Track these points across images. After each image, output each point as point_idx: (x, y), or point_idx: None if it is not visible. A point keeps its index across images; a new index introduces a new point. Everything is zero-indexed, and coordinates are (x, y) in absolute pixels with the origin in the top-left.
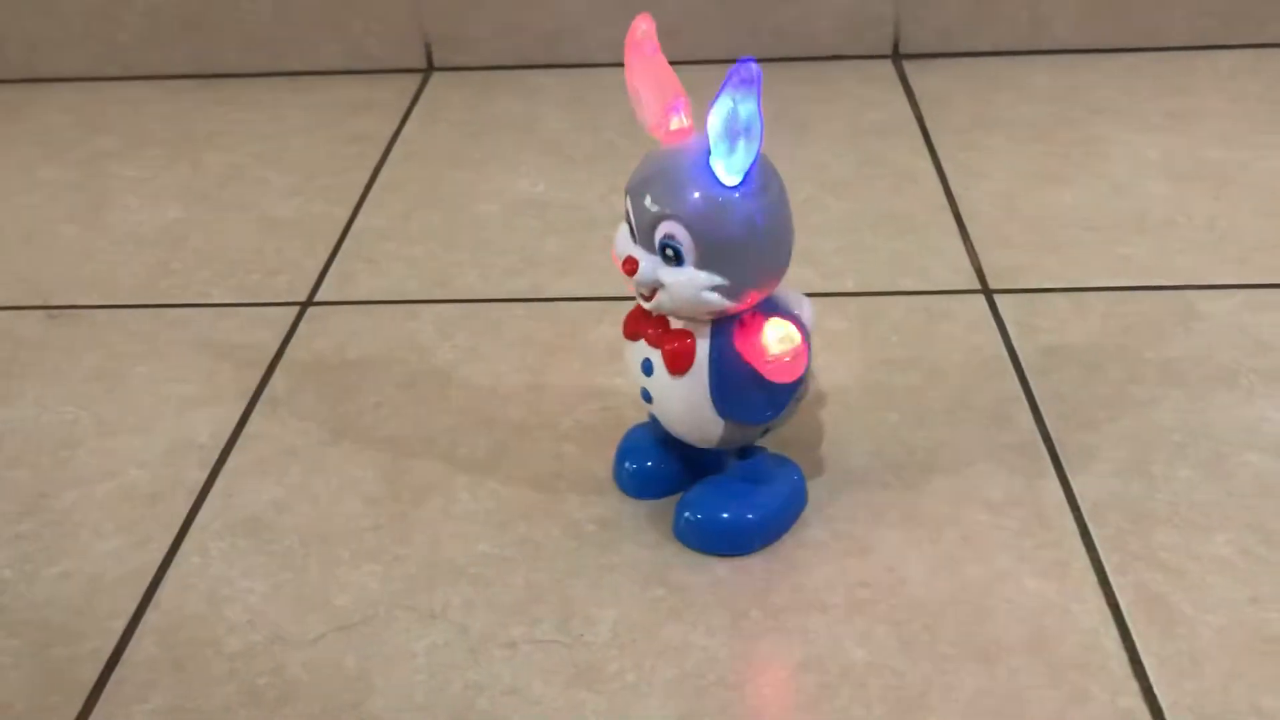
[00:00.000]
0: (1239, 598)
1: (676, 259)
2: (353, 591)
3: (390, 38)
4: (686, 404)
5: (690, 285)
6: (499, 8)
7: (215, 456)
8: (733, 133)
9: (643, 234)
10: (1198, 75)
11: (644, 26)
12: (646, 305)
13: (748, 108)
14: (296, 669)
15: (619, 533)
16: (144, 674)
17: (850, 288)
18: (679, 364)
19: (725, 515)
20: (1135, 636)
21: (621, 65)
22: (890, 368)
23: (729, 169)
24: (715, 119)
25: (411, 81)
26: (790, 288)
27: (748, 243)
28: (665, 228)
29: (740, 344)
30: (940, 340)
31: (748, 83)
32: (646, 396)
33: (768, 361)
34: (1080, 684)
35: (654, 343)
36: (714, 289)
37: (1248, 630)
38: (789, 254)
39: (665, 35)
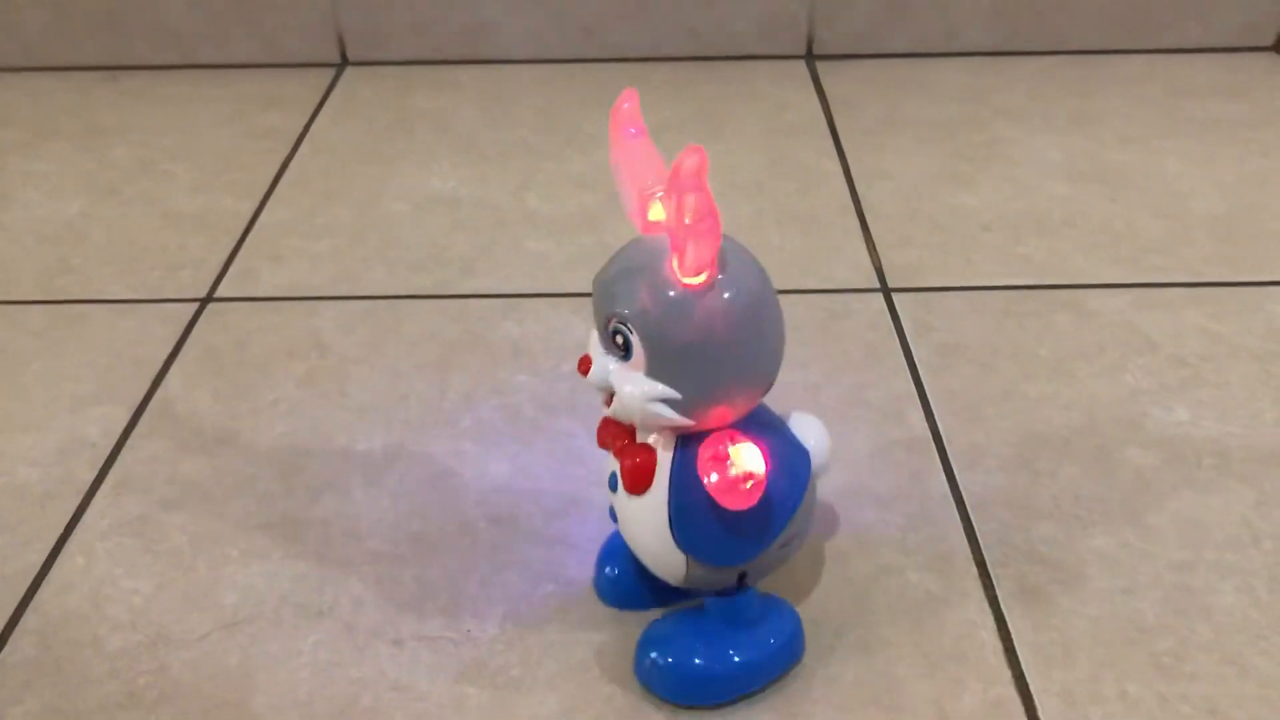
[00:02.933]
0: (1113, 589)
1: (626, 350)
2: (240, 590)
3: (304, 31)
4: (648, 531)
5: (638, 396)
6: (416, 2)
7: (106, 456)
8: (680, 230)
9: (599, 331)
10: (1102, 79)
11: (627, 105)
12: (607, 412)
13: (694, 201)
14: (178, 668)
15: (513, 531)
16: (20, 675)
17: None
18: (635, 483)
19: (698, 662)
20: (1011, 628)
21: (540, 61)
22: (789, 365)
23: (682, 270)
24: (669, 212)
25: (325, 76)
26: (809, 413)
27: (703, 350)
28: (614, 324)
29: (699, 457)
30: (839, 339)
31: (692, 173)
32: (613, 515)
33: (713, 482)
34: (956, 674)
35: (617, 455)
36: (665, 401)
37: (1120, 621)
38: (767, 369)
39: (584, 33)
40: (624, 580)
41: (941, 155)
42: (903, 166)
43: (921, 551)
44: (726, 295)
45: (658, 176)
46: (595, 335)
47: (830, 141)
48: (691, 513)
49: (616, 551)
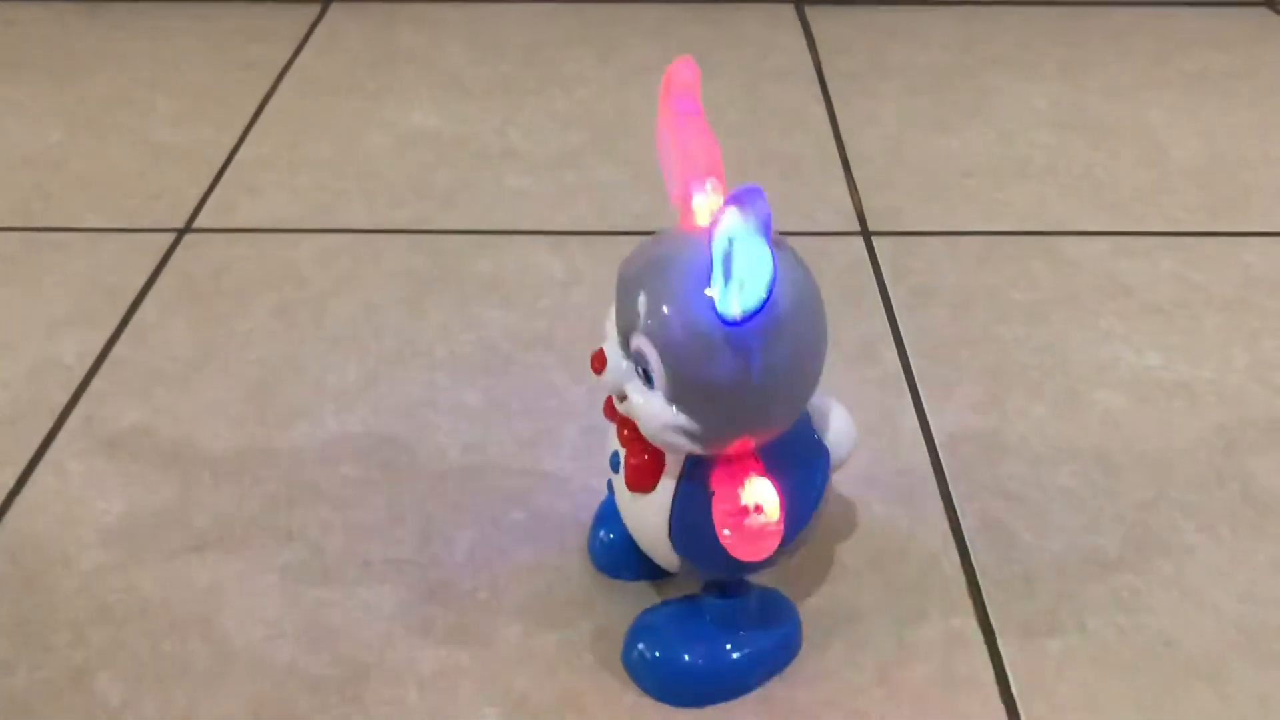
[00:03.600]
0: (1077, 525)
1: (646, 380)
2: (211, 512)
3: None
4: (645, 525)
5: (654, 418)
6: None
7: (80, 378)
8: (728, 273)
9: (620, 337)
10: (1090, 30)
11: (685, 75)
12: (618, 407)
13: (749, 250)
14: (148, 586)
15: (484, 458)
16: None
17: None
18: (639, 483)
19: (687, 659)
20: (974, 560)
21: (526, 0)
22: None
23: (723, 304)
24: (715, 247)
25: (310, 11)
26: (836, 399)
27: (731, 392)
28: (637, 342)
29: (714, 490)
30: (818, 280)
31: (748, 217)
32: (610, 489)
33: (727, 536)
34: (918, 605)
35: (622, 444)
36: (681, 430)
37: (1081, 555)
38: (796, 407)
39: None
40: (618, 546)
41: (927, 102)
42: (888, 112)
43: (888, 486)
44: (770, 333)
45: (710, 165)
46: (611, 327)
47: (817, 86)
48: (694, 528)
49: (612, 516)
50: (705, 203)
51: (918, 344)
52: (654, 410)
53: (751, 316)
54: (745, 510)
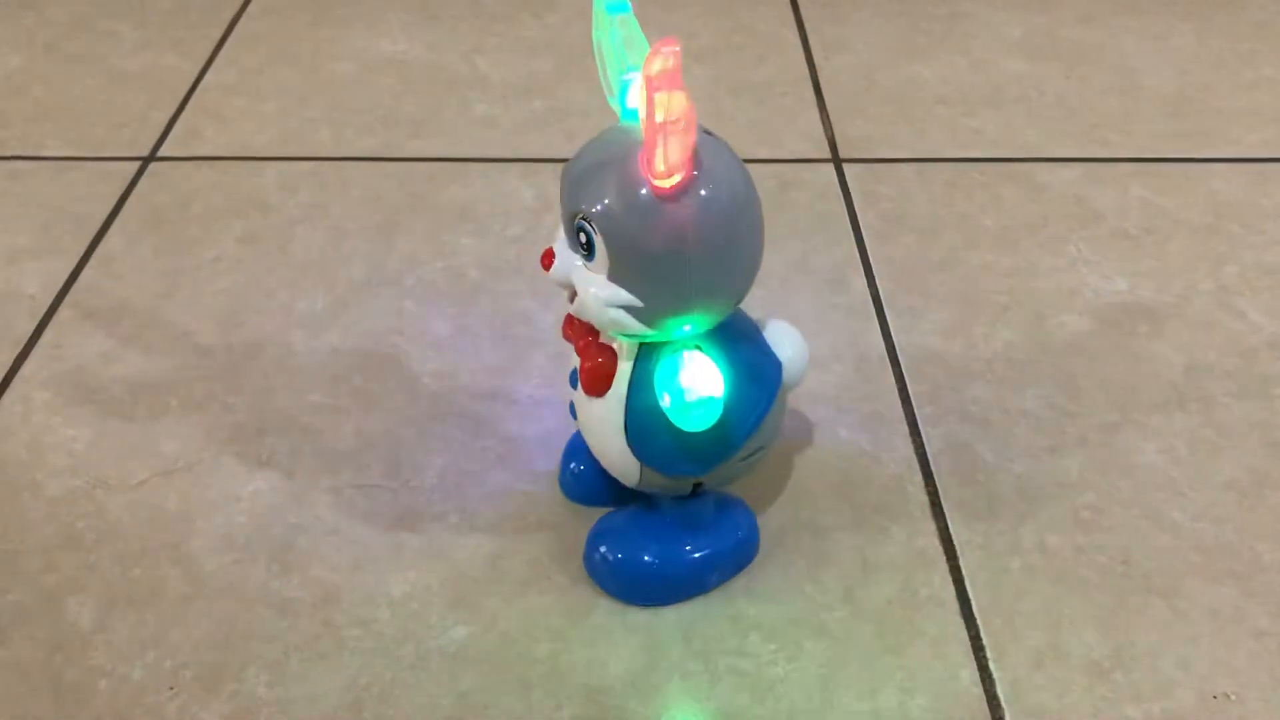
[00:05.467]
0: (1040, 447)
1: (589, 249)
2: (179, 439)
3: None
4: (604, 433)
5: (597, 296)
6: None
7: (45, 308)
8: (650, 129)
9: (565, 225)
10: None
11: None
12: (570, 308)
13: (668, 100)
14: (117, 512)
15: (454, 384)
16: None
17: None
18: (592, 385)
19: (647, 559)
20: (938, 482)
21: None
22: None
23: (653, 168)
24: (639, 102)
25: None
26: (784, 320)
27: (669, 260)
28: (578, 219)
29: (655, 374)
30: (788, 207)
31: (665, 67)
32: (573, 412)
33: (666, 403)
34: (881, 525)
35: (578, 354)
36: (625, 308)
37: (1044, 476)
38: (739, 281)
39: None
40: (587, 477)
41: (901, 29)
42: (861, 39)
43: (855, 410)
44: (699, 200)
45: (638, 60)
46: (561, 230)
47: (790, 12)
48: (647, 422)
49: (581, 448)
50: (638, 86)
51: (886, 270)
52: (596, 288)
53: (682, 189)
54: (683, 381)
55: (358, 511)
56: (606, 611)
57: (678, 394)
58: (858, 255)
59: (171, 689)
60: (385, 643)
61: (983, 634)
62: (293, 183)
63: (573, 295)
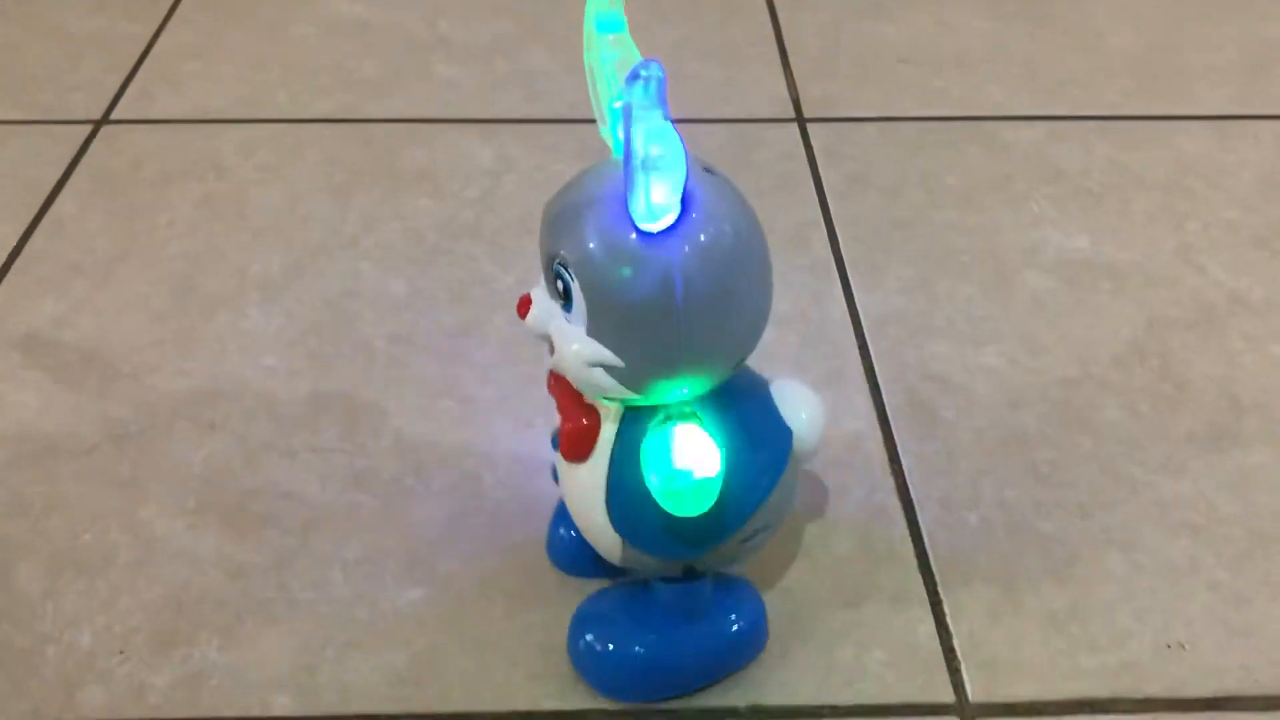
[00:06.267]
0: (1000, 403)
1: (567, 301)
2: (131, 403)
3: None
4: (582, 502)
5: (574, 352)
6: None
7: None
8: (631, 160)
9: (544, 269)
10: None
11: None
12: (548, 361)
13: (645, 128)
14: (67, 479)
15: (411, 348)
16: None
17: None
18: (571, 450)
19: (639, 651)
20: (897, 439)
21: None
22: None
23: (634, 210)
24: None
25: None
26: (799, 382)
27: (654, 314)
28: (556, 264)
29: (642, 449)
30: (752, 167)
31: (648, 91)
32: (555, 475)
33: (655, 484)
34: (840, 481)
35: (559, 413)
36: (603, 365)
37: (1003, 432)
38: (741, 342)
39: None
40: (579, 544)
41: None
42: None
43: (815, 368)
44: (692, 245)
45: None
46: (541, 277)
47: None
48: (631, 496)
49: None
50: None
51: (849, 229)
52: (573, 344)
53: (672, 228)
54: (674, 459)
55: (312, 474)
56: (563, 574)
57: (666, 473)
58: (820, 215)
59: (121, 653)
60: (339, 605)
61: (940, 588)
62: (249, 146)
63: (552, 347)
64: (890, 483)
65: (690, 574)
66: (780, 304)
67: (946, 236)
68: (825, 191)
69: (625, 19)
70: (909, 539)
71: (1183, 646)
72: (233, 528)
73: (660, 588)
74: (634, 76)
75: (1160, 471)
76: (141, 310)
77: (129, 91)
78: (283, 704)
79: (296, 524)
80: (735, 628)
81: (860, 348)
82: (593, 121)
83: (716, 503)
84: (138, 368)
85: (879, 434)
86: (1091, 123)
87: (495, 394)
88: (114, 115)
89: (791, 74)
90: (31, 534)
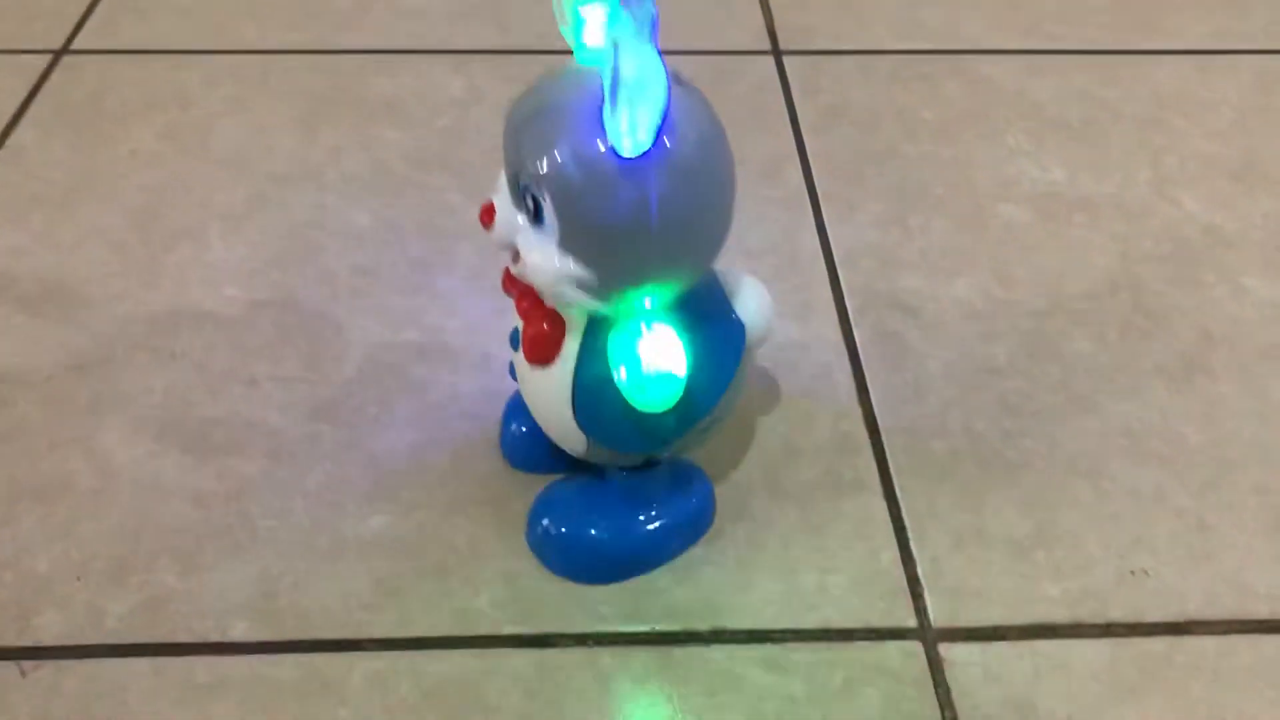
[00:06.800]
0: (970, 334)
1: (537, 216)
2: (91, 333)
3: None
4: (548, 403)
5: (546, 268)
6: None
7: None
8: (617, 91)
9: (508, 182)
10: None
11: None
12: (512, 269)
13: (637, 62)
14: (24, 406)
15: (376, 280)
16: None
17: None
18: (538, 354)
19: (594, 534)
20: (865, 369)
21: None
22: None
23: (613, 135)
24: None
25: None
26: (746, 274)
27: (629, 234)
28: (526, 182)
29: (610, 348)
30: (726, 99)
31: (640, 26)
32: (513, 373)
33: (624, 381)
34: (807, 410)
35: (520, 315)
36: (574, 280)
37: (974, 363)
38: (706, 255)
39: None
40: (531, 440)
41: None
42: None
43: (785, 301)
44: (666, 169)
45: None
46: (502, 180)
47: None
48: (597, 397)
49: (522, 408)
50: (596, 19)
51: (823, 163)
52: (545, 259)
53: (649, 152)
54: (644, 350)
55: (274, 403)
56: (527, 501)
57: (635, 369)
58: (795, 147)
59: (79, 579)
60: (300, 533)
61: (904, 515)
62: (214, 76)
63: (515, 256)
64: (858, 412)
65: (649, 462)
66: (752, 236)
67: (921, 170)
68: (800, 124)
69: None
70: (874, 466)
71: (1146, 573)
72: (194, 456)
73: (616, 475)
74: (626, 4)
75: (1130, 402)
76: (103, 241)
77: (91, 20)
78: (241, 629)
79: (258, 453)
80: (687, 508)
81: (831, 280)
82: (566, 52)
83: (681, 399)
84: (98, 298)
85: (847, 365)
86: (1069, 56)
87: (460, 324)
88: (75, 45)
89: (768, 4)
90: None
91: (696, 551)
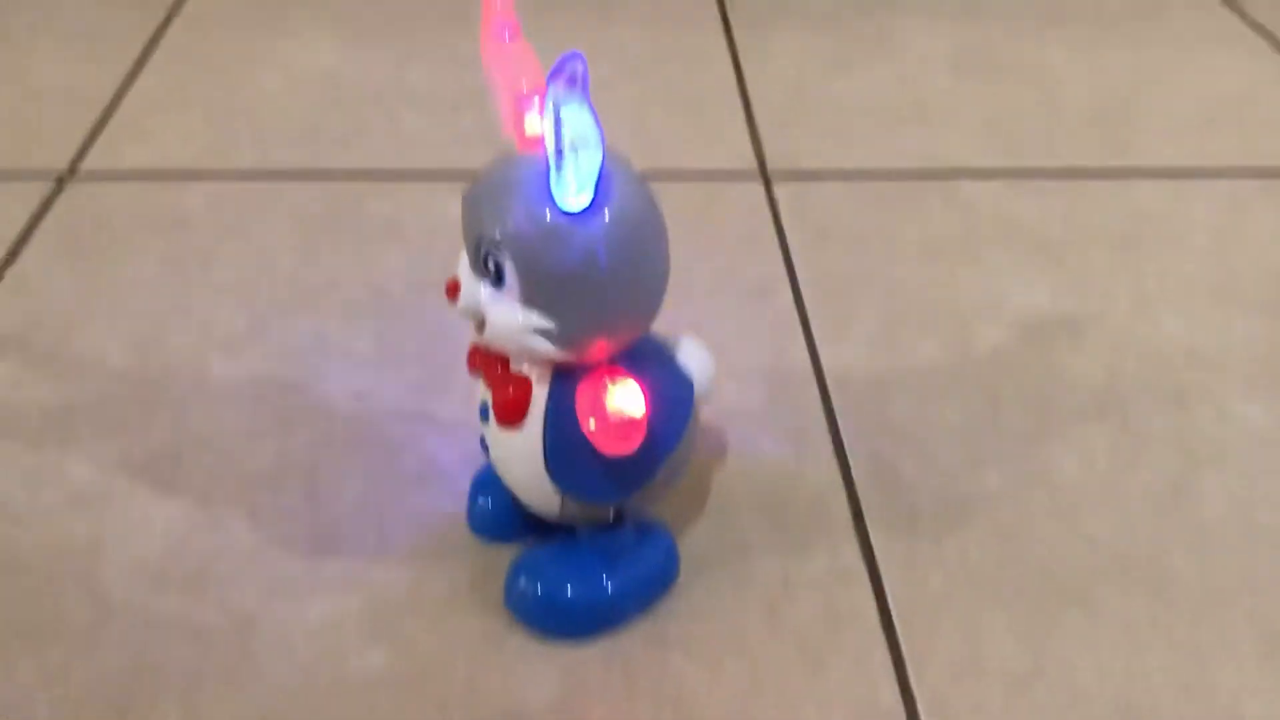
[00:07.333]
0: (961, 460)
1: (498, 278)
2: (91, 465)
3: None
4: (521, 465)
5: (511, 325)
6: None
7: None
8: (559, 147)
9: (469, 252)
10: None
11: (500, 2)
12: (477, 339)
13: (573, 114)
14: (23, 541)
15: (376, 405)
16: None
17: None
18: (508, 416)
19: (569, 591)
20: (861, 497)
21: None
22: None
23: (559, 190)
24: (545, 124)
25: None
26: (689, 334)
27: (583, 282)
28: (486, 246)
29: (577, 400)
30: (715, 221)
31: (572, 82)
32: (484, 446)
33: (591, 429)
34: (804, 542)
35: (488, 385)
36: (540, 332)
37: (965, 489)
38: (652, 299)
39: None
40: (496, 511)
41: (829, 43)
42: (790, 53)
43: (778, 424)
44: (609, 220)
45: (534, 83)
46: (464, 257)
47: (720, 26)
48: (568, 450)
49: (489, 482)
50: (535, 121)
51: (812, 283)
52: (509, 314)
53: (592, 204)
54: (606, 401)
55: (276, 536)
56: (526, 635)
57: (601, 418)
58: (784, 269)
59: None
60: (301, 670)
61: (904, 649)
62: (216, 200)
63: (479, 325)
64: (854, 542)
65: (619, 518)
66: (742, 359)
67: (907, 291)
68: (789, 245)
69: (519, 26)
70: (873, 599)
71: (1144, 708)
72: (195, 590)
73: (585, 535)
74: (559, 69)
75: (1119, 528)
76: (103, 369)
77: (95, 144)
78: None
79: (259, 587)
80: (653, 563)
81: (824, 403)
82: None
83: (644, 445)
84: (98, 427)
85: (843, 493)
86: (1050, 178)
87: (458, 452)
88: (80, 168)
89: (755, 128)
90: None
91: (698, 690)
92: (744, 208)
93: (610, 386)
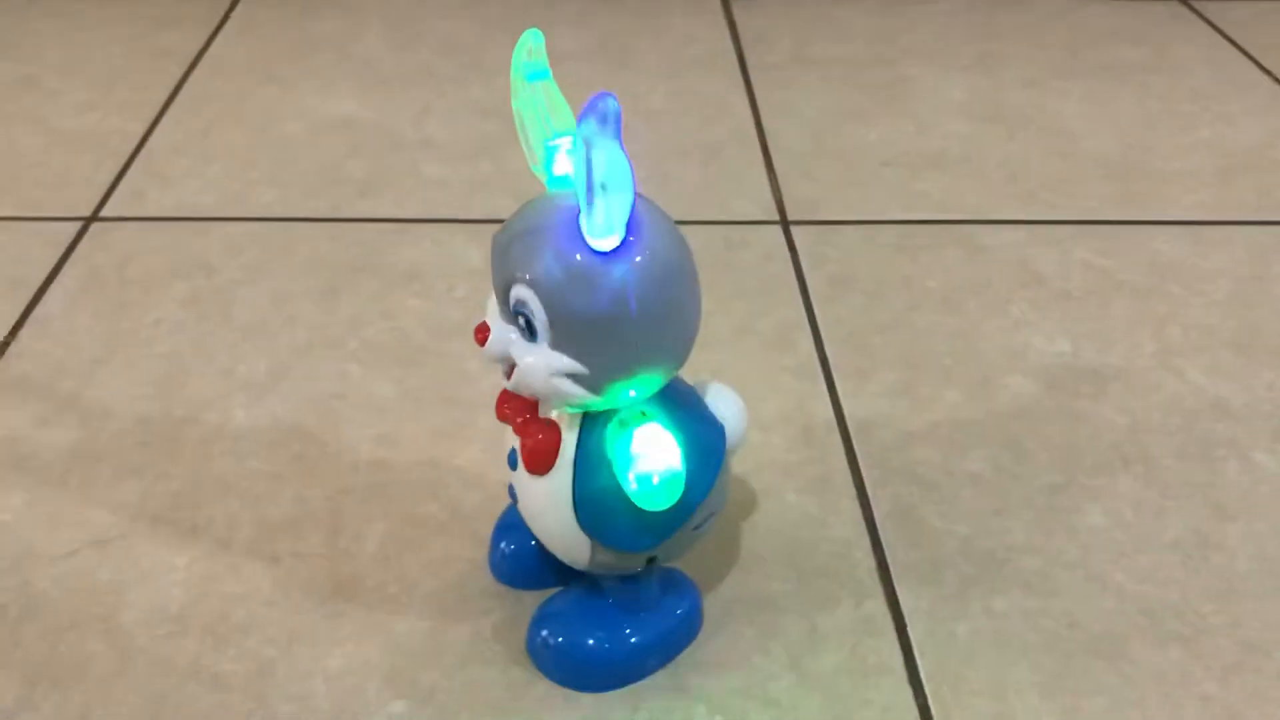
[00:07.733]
0: (985, 510)
1: (530, 331)
2: (112, 508)
3: None
4: (549, 513)
5: (541, 369)
6: None
7: None
8: (589, 186)
9: (499, 297)
10: (1007, 24)
11: (531, 44)
12: (507, 384)
13: (605, 155)
14: (45, 584)
15: (396, 451)
16: None
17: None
18: (537, 462)
19: (591, 643)
20: (885, 546)
21: None
22: None
23: (591, 230)
24: (575, 162)
25: None
26: (723, 382)
27: (613, 324)
28: (516, 293)
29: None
30: (735, 269)
31: (604, 122)
32: (513, 494)
33: (631, 482)
34: (829, 590)
35: (517, 432)
36: (570, 376)
37: (990, 539)
38: (683, 343)
39: None
40: (520, 557)
41: (847, 92)
42: (808, 102)
43: (802, 473)
44: (640, 261)
45: (563, 126)
46: (493, 302)
47: (739, 75)
48: (598, 497)
49: (511, 527)
50: (564, 162)
51: (833, 332)
52: (539, 357)
53: (622, 245)
54: (643, 454)
55: (296, 581)
56: (549, 685)
57: (641, 473)
58: (805, 317)
59: None
60: (321, 719)
61: (930, 702)
62: (237, 244)
63: (508, 371)
64: (880, 592)
65: (649, 567)
66: (765, 407)
67: (929, 339)
68: (810, 293)
69: (549, 67)
70: (899, 651)
71: None
72: (214, 636)
73: (610, 585)
74: (591, 108)
75: (1147, 580)
76: (125, 412)
77: (119, 189)
78: None
79: (279, 633)
80: (677, 615)
81: (847, 453)
82: None
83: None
84: (120, 471)
85: (867, 542)
86: (1069, 227)
87: (480, 498)
88: (103, 213)
89: (775, 176)
90: (6, 644)
91: None
92: (764, 255)
93: (643, 437)
